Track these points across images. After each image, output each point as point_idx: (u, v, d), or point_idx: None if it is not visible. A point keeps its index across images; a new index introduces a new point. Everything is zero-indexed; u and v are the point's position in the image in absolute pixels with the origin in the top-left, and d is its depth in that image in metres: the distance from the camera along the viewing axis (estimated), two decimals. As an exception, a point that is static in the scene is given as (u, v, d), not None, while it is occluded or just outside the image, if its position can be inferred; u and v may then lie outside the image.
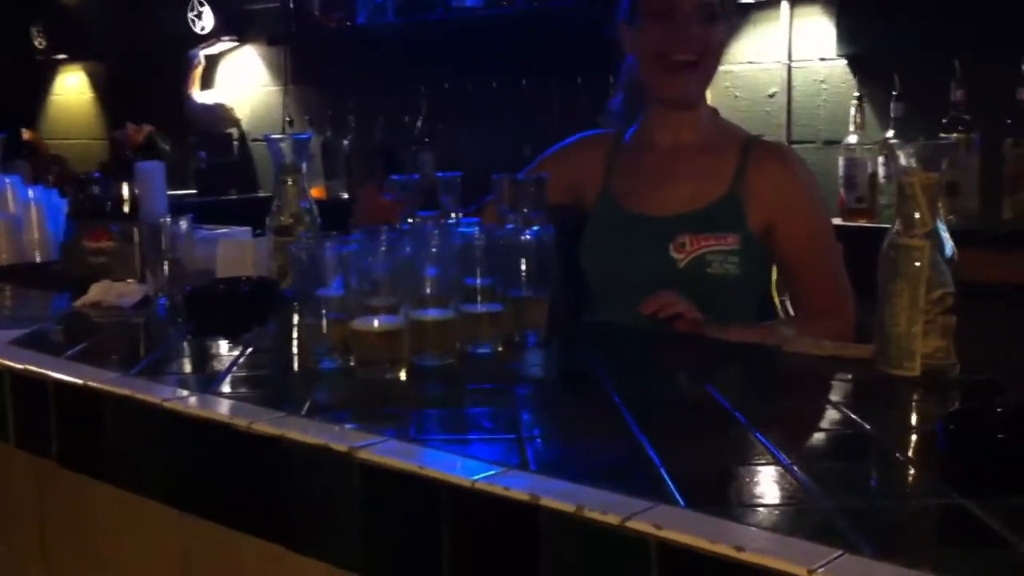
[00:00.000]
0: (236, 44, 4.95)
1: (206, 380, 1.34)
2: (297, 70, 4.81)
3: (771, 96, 3.43)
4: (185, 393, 1.25)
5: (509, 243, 1.49)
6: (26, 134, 4.46)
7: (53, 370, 1.37)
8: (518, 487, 0.91)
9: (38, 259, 2.41)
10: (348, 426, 1.11)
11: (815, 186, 1.96)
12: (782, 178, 1.91)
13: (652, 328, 1.71)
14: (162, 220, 1.81)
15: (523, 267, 1.49)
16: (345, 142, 4.35)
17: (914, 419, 1.22)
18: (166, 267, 1.80)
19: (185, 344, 1.62)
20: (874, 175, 3.05)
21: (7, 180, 2.47)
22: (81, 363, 1.42)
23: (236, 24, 4.89)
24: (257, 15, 4.82)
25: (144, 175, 2.16)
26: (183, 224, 1.82)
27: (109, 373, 1.35)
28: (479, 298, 1.42)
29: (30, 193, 2.46)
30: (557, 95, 3.78)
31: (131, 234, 2.05)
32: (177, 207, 2.15)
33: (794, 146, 3.38)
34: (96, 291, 1.86)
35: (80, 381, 1.32)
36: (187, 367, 1.49)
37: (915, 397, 1.24)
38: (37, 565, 1.52)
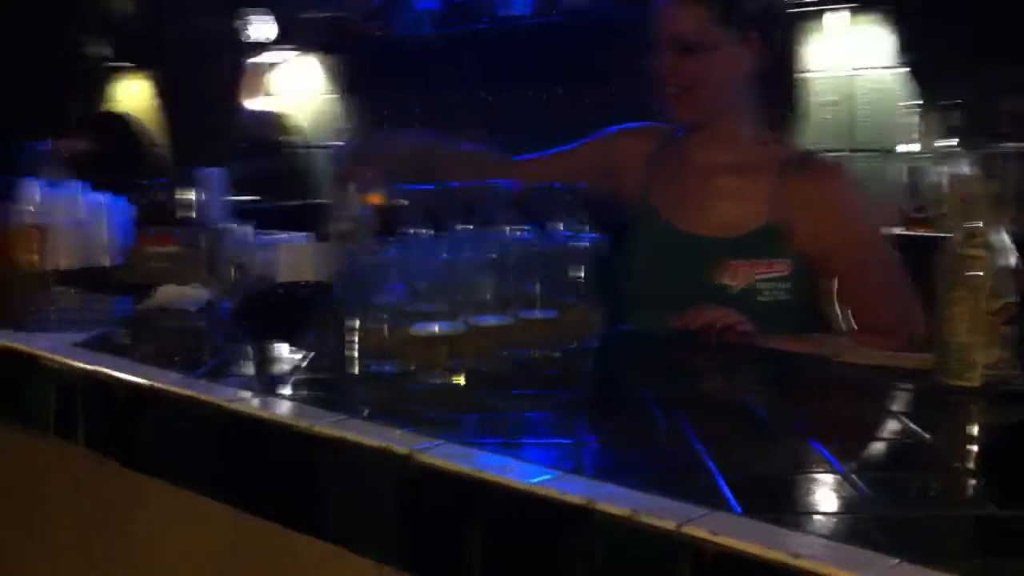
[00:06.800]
0: (289, 53, 5.02)
1: (267, 382, 1.36)
2: (350, 79, 4.86)
3: (831, 105, 3.40)
4: (247, 395, 1.28)
5: (565, 250, 1.50)
6: None
7: (119, 371, 1.40)
8: (574, 491, 0.92)
9: (105, 263, 2.45)
10: (406, 429, 1.12)
11: (859, 201, 1.92)
12: (824, 201, 1.87)
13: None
14: (228, 225, 1.84)
15: (579, 274, 1.49)
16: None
17: (974, 430, 1.21)
18: (231, 271, 1.83)
19: (247, 347, 1.65)
20: (935, 184, 3.01)
21: (77, 186, 2.52)
22: (146, 365, 1.45)
23: (288, 33, 4.96)
24: (309, 25, 4.88)
25: (206, 180, 2.20)
26: (248, 229, 1.85)
27: (173, 374, 1.37)
28: (536, 304, 1.43)
29: (99, 199, 2.51)
30: (598, 103, 3.77)
31: (196, 239, 2.09)
32: (234, 212, 2.19)
33: (854, 155, 3.35)
34: (161, 294, 1.90)
35: (145, 382, 1.35)
36: (249, 369, 1.52)
37: (975, 408, 1.23)
38: (87, 562, 1.55)
